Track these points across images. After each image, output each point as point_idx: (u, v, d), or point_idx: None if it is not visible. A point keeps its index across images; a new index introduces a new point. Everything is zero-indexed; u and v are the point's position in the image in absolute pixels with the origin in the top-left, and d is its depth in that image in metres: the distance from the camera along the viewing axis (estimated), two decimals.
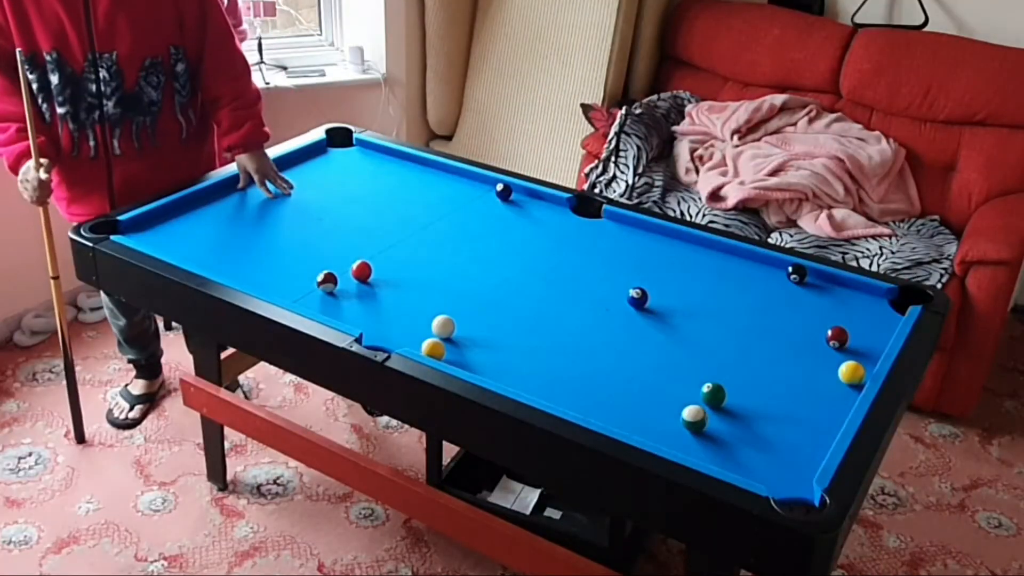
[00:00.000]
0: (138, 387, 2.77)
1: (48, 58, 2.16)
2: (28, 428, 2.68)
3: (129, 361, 2.77)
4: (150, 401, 2.78)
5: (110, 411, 2.73)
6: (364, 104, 3.73)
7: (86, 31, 2.15)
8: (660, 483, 1.44)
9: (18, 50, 2.11)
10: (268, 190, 2.37)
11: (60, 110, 2.22)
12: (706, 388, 1.65)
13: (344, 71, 3.74)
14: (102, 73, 2.20)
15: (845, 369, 1.73)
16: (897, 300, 2.01)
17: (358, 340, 1.73)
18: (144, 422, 2.72)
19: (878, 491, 2.59)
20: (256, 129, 2.40)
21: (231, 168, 2.43)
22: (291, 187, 2.40)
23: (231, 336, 2.05)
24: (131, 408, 2.72)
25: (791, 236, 2.98)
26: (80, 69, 2.19)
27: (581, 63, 3.61)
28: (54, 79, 2.18)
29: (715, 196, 3.12)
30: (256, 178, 2.37)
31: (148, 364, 2.76)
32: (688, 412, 1.57)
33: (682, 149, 3.40)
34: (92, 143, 2.27)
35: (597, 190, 3.26)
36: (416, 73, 3.90)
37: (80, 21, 2.14)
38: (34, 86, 2.18)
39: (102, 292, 2.58)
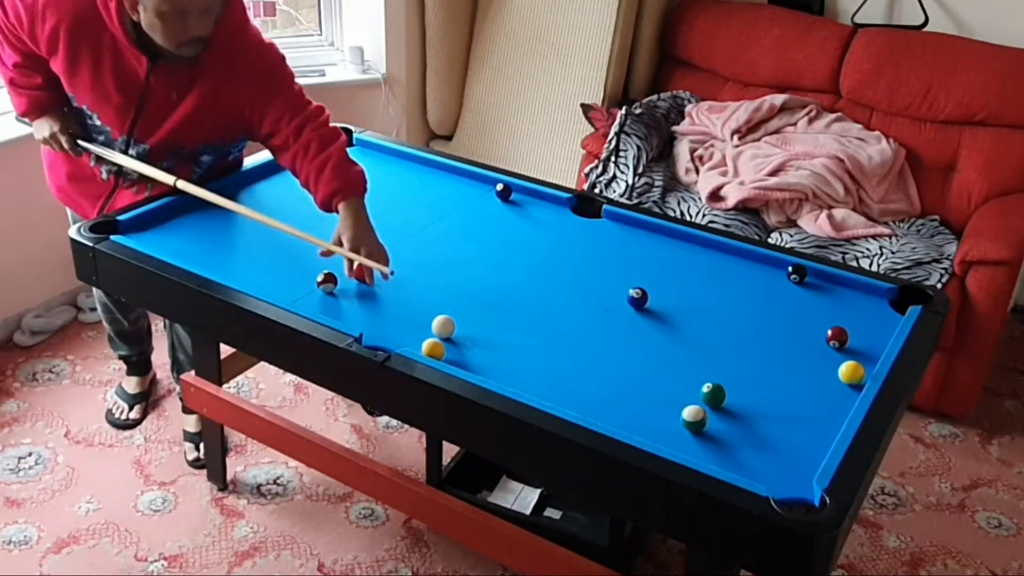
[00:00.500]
0: (131, 385, 2.77)
1: (84, 108, 2.14)
2: (28, 428, 2.68)
3: (120, 357, 2.77)
4: (146, 399, 2.78)
5: (110, 411, 2.74)
6: (364, 104, 3.73)
7: (131, 121, 2.12)
8: (660, 483, 1.43)
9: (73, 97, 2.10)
10: (363, 274, 1.95)
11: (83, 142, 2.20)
12: (706, 388, 1.64)
13: (344, 71, 3.74)
14: (132, 151, 2.17)
15: (845, 369, 1.72)
16: (897, 300, 2.01)
17: (358, 340, 1.73)
18: (144, 422, 2.72)
19: (878, 491, 2.59)
20: (350, 170, 2.07)
21: None
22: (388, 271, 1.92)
23: (231, 336, 2.05)
24: (130, 408, 2.72)
25: (791, 236, 2.98)
26: (113, 138, 2.16)
27: (581, 63, 3.61)
28: (87, 122, 2.16)
29: (715, 196, 3.12)
30: (350, 245, 1.94)
31: (139, 360, 2.77)
32: (688, 412, 1.57)
33: (682, 149, 3.40)
34: (105, 175, 2.25)
35: (597, 190, 3.26)
36: (416, 73, 3.90)
37: (130, 111, 2.10)
38: (65, 108, 2.17)
39: (95, 291, 2.58)
